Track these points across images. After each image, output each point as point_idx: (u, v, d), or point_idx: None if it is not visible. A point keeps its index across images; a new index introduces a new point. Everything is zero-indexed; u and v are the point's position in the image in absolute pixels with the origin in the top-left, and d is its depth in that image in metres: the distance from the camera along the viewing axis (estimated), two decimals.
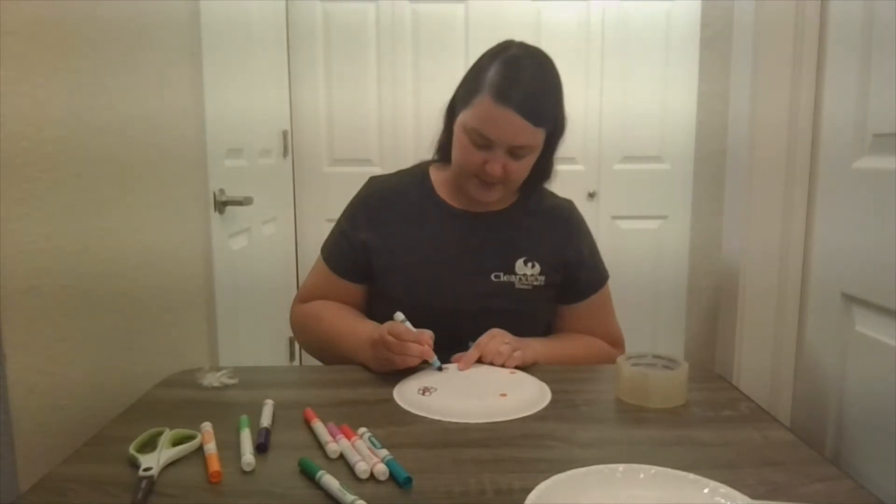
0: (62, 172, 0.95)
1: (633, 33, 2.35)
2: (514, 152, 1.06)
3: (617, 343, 1.26)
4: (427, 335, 1.02)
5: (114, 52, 1.10)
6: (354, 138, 2.43)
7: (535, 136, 1.06)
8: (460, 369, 1.03)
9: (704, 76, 2.32)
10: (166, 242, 1.31)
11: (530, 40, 1.11)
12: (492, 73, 1.04)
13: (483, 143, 1.06)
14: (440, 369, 1.03)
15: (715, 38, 2.26)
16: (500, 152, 1.06)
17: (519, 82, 1.03)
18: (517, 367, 1.05)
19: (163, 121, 1.29)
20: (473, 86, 1.07)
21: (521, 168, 1.09)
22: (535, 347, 1.11)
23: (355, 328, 1.13)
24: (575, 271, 1.20)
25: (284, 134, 2.31)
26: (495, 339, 1.07)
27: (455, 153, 1.12)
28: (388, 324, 1.03)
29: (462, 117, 1.08)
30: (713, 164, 2.28)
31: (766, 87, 1.43)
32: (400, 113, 2.40)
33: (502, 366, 1.04)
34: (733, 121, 1.58)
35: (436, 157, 1.24)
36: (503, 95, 1.02)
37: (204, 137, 1.49)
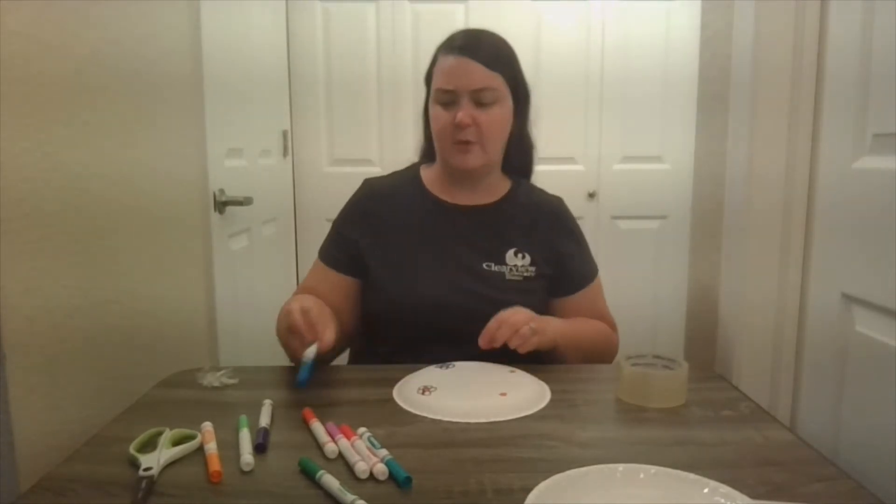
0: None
1: (633, 34, 2.35)
2: (478, 98, 1.12)
3: (613, 327, 1.29)
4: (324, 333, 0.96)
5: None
6: (354, 138, 2.43)
7: (491, 79, 1.12)
8: (481, 346, 1.02)
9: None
10: (166, 242, 1.31)
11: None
12: (442, 43, 1.17)
13: (448, 99, 1.13)
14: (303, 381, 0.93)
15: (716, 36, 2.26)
16: (465, 101, 1.11)
17: (466, 34, 1.15)
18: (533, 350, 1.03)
19: (163, 117, 1.29)
20: (431, 63, 1.18)
21: (491, 120, 1.13)
22: (555, 326, 1.10)
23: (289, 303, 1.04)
24: (566, 264, 1.22)
25: (284, 134, 2.31)
26: (519, 314, 1.04)
27: (431, 127, 1.18)
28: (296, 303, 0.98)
29: (430, 94, 1.17)
30: (713, 163, 2.28)
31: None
32: (400, 113, 2.40)
33: (514, 351, 1.02)
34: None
35: (423, 160, 1.29)
36: (453, 46, 1.13)
37: (204, 136, 1.49)
